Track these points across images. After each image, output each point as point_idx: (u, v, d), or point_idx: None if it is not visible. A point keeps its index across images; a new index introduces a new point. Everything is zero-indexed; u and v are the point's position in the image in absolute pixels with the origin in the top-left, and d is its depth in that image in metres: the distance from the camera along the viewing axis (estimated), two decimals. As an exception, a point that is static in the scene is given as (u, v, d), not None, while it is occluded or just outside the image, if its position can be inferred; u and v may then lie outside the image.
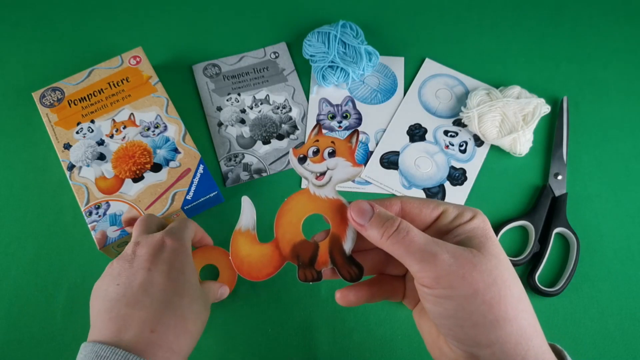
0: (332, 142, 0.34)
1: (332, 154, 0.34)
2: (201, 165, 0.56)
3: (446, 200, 0.59)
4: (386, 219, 0.32)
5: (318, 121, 0.37)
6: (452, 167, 0.61)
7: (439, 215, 0.34)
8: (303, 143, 0.36)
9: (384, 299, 0.38)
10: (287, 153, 0.61)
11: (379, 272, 0.38)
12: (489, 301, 0.29)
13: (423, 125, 0.63)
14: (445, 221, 0.33)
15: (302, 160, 0.34)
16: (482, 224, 0.33)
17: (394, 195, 0.59)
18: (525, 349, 0.30)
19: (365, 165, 0.61)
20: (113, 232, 0.53)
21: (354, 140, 0.34)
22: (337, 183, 0.34)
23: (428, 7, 0.72)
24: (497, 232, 0.56)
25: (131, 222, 0.53)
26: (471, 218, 0.33)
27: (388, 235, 0.31)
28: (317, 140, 0.34)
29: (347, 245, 0.34)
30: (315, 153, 0.34)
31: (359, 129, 0.63)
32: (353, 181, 0.59)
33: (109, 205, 0.54)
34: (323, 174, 0.34)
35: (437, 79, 0.66)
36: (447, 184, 0.60)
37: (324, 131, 0.37)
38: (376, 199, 0.34)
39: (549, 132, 0.63)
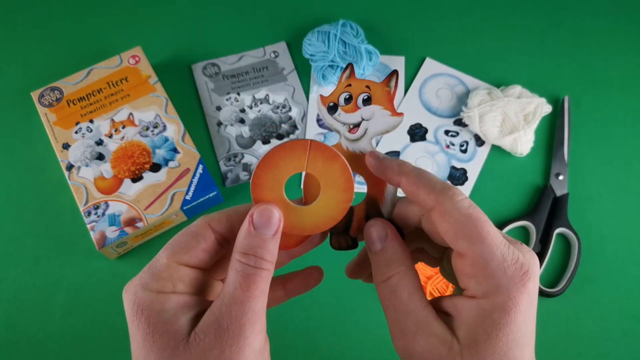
0: (367, 86, 0.29)
1: (367, 101, 0.29)
2: (200, 165, 0.56)
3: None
4: (386, 263, 0.28)
5: (350, 63, 0.30)
6: (453, 167, 0.60)
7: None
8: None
9: None
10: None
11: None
12: None
13: (424, 125, 0.63)
14: (460, 267, 0.26)
15: (332, 109, 0.29)
16: (496, 312, 0.24)
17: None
18: None
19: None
20: (112, 233, 0.52)
21: (392, 83, 0.29)
22: (374, 136, 0.29)
23: (429, 6, 0.71)
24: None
25: (130, 222, 0.53)
26: (485, 295, 0.24)
27: (378, 281, 0.27)
28: (350, 85, 0.29)
29: (385, 209, 0.30)
30: (348, 100, 0.29)
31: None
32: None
33: (107, 206, 0.54)
34: (357, 125, 0.29)
35: (438, 79, 0.66)
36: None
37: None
38: (402, 201, 0.30)
39: (550, 132, 0.63)
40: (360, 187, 0.31)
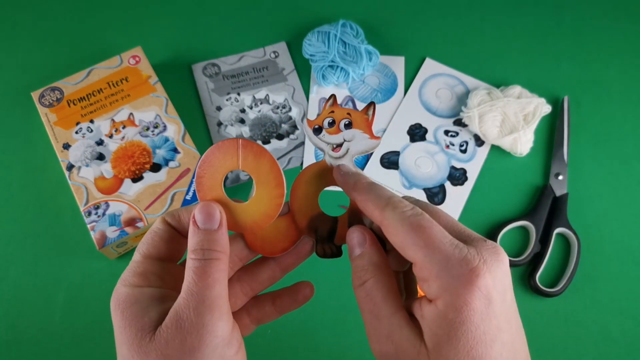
0: (348, 113, 0.32)
1: (348, 126, 0.32)
2: (201, 165, 0.56)
3: (446, 200, 0.59)
4: (362, 267, 0.29)
5: (332, 94, 0.34)
6: (453, 167, 0.60)
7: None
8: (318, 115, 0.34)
9: None
10: (288, 152, 0.61)
11: None
12: None
13: (423, 125, 0.63)
14: (416, 274, 0.27)
15: (318, 131, 0.33)
16: (450, 313, 0.24)
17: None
18: None
19: (367, 164, 0.61)
20: (112, 233, 0.52)
21: (370, 112, 0.32)
22: (355, 155, 0.32)
23: (428, 7, 0.71)
24: (497, 232, 0.56)
25: (130, 222, 0.53)
26: (437, 297, 0.25)
27: (355, 285, 0.29)
28: (333, 112, 0.33)
29: (367, 220, 0.32)
30: (331, 124, 0.32)
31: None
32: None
33: (108, 206, 0.54)
34: (340, 145, 0.32)
35: (438, 79, 0.66)
36: (448, 184, 0.60)
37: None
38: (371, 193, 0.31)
39: (550, 132, 0.63)
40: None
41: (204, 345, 0.26)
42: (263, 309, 0.34)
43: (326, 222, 0.33)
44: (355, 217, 0.32)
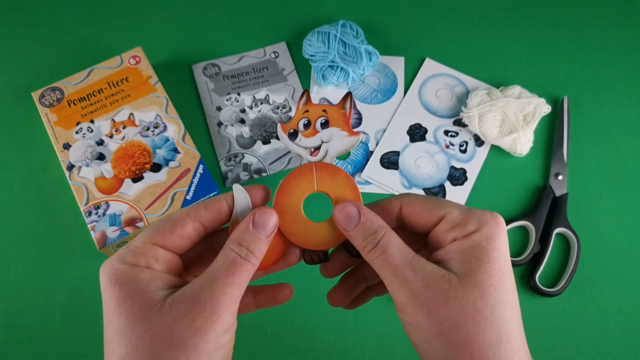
0: (324, 110, 0.31)
1: (325, 125, 0.31)
2: (201, 165, 0.56)
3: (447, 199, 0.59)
4: (370, 231, 0.29)
5: (305, 90, 0.32)
6: (453, 167, 0.61)
7: (441, 218, 0.30)
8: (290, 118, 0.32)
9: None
10: (288, 153, 0.61)
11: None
12: (455, 344, 0.26)
13: (423, 125, 0.63)
14: (444, 228, 0.30)
15: (293, 135, 0.31)
16: (484, 241, 0.28)
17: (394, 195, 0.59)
18: None
19: (367, 164, 0.61)
20: (112, 232, 0.52)
21: (347, 105, 0.31)
22: (335, 156, 0.31)
23: (428, 7, 0.71)
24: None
25: (131, 222, 0.53)
26: (472, 232, 0.28)
27: (368, 249, 0.29)
28: (307, 111, 0.31)
29: None
30: (307, 126, 0.31)
31: (360, 129, 0.63)
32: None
33: (108, 206, 0.54)
34: (318, 148, 0.31)
35: (438, 79, 0.66)
36: (448, 184, 0.60)
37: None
38: (377, 200, 0.32)
39: (550, 132, 0.63)
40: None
41: (211, 331, 0.27)
42: (244, 300, 0.34)
43: None
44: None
